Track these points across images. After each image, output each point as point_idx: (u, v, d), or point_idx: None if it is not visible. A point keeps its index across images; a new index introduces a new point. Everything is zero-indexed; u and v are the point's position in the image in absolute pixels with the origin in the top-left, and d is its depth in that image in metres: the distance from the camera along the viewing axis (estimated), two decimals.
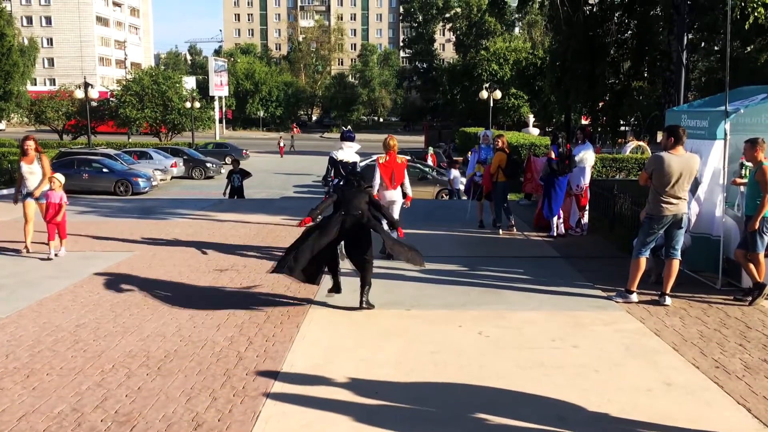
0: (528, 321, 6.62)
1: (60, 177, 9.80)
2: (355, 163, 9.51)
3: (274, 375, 5.21)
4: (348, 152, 9.58)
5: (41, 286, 7.93)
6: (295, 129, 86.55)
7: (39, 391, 4.88)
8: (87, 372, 5.25)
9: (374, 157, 10.13)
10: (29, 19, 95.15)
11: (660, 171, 6.87)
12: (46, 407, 4.62)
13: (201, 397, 4.80)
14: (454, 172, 22.50)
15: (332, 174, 9.46)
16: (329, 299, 7.24)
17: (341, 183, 8.02)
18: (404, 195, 9.74)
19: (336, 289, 7.32)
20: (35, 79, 72.94)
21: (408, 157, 12.30)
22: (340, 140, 9.88)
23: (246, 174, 17.87)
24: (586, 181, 11.22)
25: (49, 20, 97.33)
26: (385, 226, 7.25)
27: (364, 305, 6.93)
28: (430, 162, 29.81)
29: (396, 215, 9.31)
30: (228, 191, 17.60)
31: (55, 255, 9.39)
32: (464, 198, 16.39)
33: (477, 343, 6.00)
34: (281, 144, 51.36)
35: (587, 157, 11.13)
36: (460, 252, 10.19)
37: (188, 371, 5.28)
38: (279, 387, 4.99)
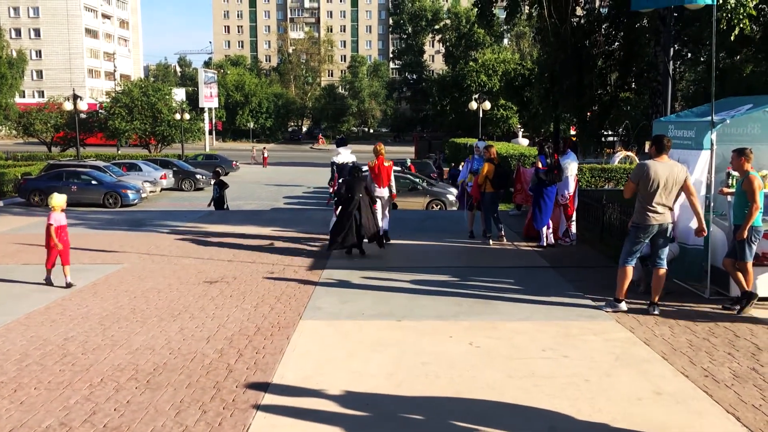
0: (519, 331, 6.63)
1: (56, 198, 8.79)
2: (353, 163, 11.40)
3: (264, 387, 5.19)
4: (345, 155, 11.62)
5: (29, 299, 7.87)
6: (321, 140, 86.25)
7: (27, 406, 4.83)
8: (75, 386, 5.21)
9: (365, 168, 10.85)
10: (18, 32, 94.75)
11: (645, 179, 6.92)
12: (34, 422, 4.57)
13: (190, 411, 4.76)
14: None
15: (336, 175, 11.52)
16: (325, 303, 7.24)
17: (348, 176, 10.70)
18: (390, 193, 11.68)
19: (356, 250, 10.52)
20: (24, 92, 72.61)
21: (398, 168, 13.99)
22: (336, 147, 11.99)
23: (223, 185, 18.55)
24: (570, 190, 11.27)
25: (37, 32, 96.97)
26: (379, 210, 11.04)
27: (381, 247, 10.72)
28: None
29: (386, 209, 11.61)
30: (211, 202, 18.73)
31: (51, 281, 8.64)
32: None
33: (468, 353, 6.00)
34: (265, 155, 51.69)
35: (568, 166, 11.18)
36: (451, 262, 10.20)
37: (177, 384, 5.25)
38: (269, 399, 4.97)
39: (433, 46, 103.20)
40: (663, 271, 7.18)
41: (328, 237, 11.54)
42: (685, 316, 7.12)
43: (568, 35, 18.71)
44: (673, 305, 7.45)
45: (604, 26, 20.07)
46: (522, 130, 51.80)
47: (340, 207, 10.54)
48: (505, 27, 69.58)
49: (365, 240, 10.61)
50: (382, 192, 11.36)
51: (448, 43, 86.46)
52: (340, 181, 11.11)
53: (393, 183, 11.68)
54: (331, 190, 11.72)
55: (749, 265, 7.18)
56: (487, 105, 41.29)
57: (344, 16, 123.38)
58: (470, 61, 68.47)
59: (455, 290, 8.31)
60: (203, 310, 7.42)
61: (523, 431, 4.46)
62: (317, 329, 6.72)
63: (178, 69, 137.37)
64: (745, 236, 7.07)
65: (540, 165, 11.24)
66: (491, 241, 11.60)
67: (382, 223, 11.34)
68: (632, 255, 7.23)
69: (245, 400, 4.95)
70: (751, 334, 6.53)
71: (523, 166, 13.94)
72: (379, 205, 11.19)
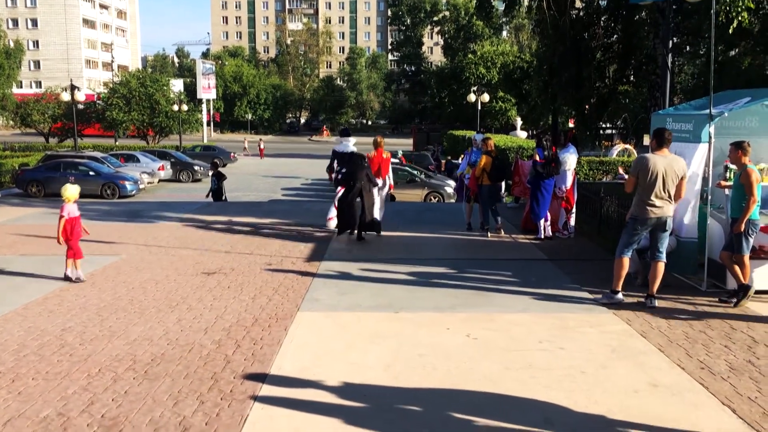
0: (516, 323, 6.65)
1: (69, 189, 8.57)
2: (352, 152, 11.68)
3: (262, 378, 5.20)
4: (347, 145, 11.91)
5: (27, 289, 7.87)
6: (326, 132, 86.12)
7: (24, 396, 4.84)
8: (73, 376, 5.22)
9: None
10: (15, 22, 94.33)
11: (644, 172, 6.93)
12: (32, 412, 4.58)
13: (188, 401, 4.78)
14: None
15: (336, 163, 11.76)
16: (321, 295, 7.27)
17: (351, 163, 11.19)
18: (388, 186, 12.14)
19: (358, 236, 11.16)
20: (21, 82, 72.41)
21: (396, 160, 14.59)
22: (340, 136, 12.38)
23: (221, 176, 18.67)
24: (568, 184, 11.26)
25: (35, 22, 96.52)
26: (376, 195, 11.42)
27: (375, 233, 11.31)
28: None
29: (382, 201, 11.88)
30: (209, 194, 18.96)
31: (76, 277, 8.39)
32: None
33: (465, 345, 6.01)
34: (261, 146, 51.89)
35: (567, 159, 11.17)
36: (449, 254, 10.22)
37: (175, 375, 5.26)
38: (267, 390, 4.98)
39: (431, 38, 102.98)
40: (662, 264, 7.19)
41: (326, 229, 12.09)
42: (682, 309, 7.14)
43: (567, 28, 18.67)
44: (670, 298, 7.47)
45: (603, 18, 20.02)
46: (521, 122, 51.71)
47: (341, 194, 11.13)
48: (503, 19, 69.34)
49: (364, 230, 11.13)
50: (380, 183, 11.69)
51: (446, 35, 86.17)
52: (343, 170, 11.43)
53: (391, 175, 12.11)
54: (329, 177, 12.28)
55: (746, 258, 7.20)
56: (486, 97, 41.26)
57: (343, 8, 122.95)
58: (469, 53, 68.29)
59: (453, 282, 8.32)
60: (201, 301, 7.43)
61: (519, 423, 4.47)
62: (315, 321, 6.73)
63: (176, 60, 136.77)
64: (742, 229, 7.08)
65: (537, 158, 11.23)
66: (489, 234, 11.61)
67: (377, 214, 11.61)
68: (629, 246, 7.25)
69: (243, 390, 4.96)
70: (747, 327, 6.55)
71: (521, 159, 13.94)
72: (376, 193, 11.53)
